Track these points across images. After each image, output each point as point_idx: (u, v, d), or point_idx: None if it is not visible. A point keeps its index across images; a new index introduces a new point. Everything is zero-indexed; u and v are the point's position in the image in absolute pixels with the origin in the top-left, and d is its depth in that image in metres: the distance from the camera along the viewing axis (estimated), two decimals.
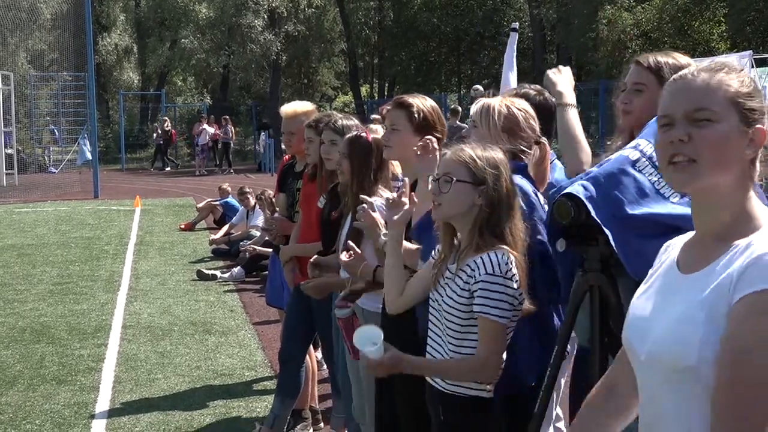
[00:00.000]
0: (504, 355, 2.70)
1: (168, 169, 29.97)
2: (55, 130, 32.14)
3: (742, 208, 1.64)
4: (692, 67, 1.71)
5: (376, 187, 3.74)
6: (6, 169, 24.82)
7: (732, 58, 13.42)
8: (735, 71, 1.67)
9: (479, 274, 2.62)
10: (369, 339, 2.71)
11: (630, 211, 2.62)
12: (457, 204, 2.68)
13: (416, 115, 3.35)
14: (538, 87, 3.72)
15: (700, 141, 1.62)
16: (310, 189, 4.72)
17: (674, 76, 1.73)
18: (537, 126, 3.12)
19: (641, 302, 1.76)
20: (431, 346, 2.80)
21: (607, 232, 2.58)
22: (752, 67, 12.65)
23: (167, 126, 30.00)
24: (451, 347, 2.71)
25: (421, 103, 3.40)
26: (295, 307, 4.84)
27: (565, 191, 2.65)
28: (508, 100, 3.14)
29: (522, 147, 3.03)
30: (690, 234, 1.76)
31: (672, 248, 1.80)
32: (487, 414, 2.74)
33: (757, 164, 1.67)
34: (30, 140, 31.76)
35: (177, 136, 32.58)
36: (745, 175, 1.65)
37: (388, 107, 3.52)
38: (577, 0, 29.88)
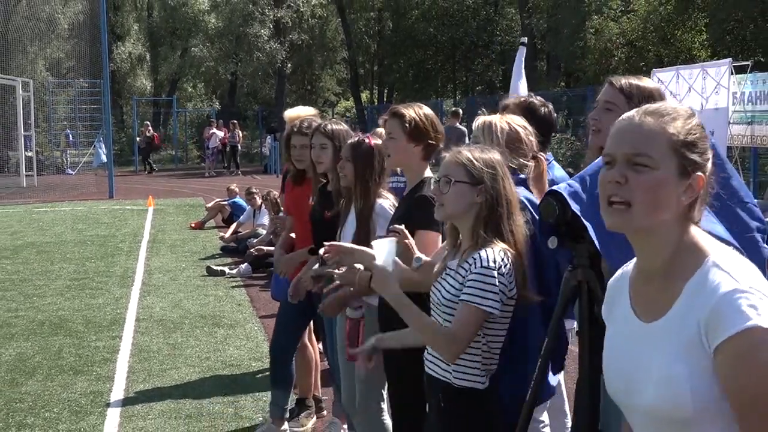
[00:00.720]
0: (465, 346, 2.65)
1: (146, 172, 29.98)
2: (70, 134, 32.12)
3: (681, 244, 1.59)
4: (641, 108, 1.65)
5: (379, 190, 3.73)
6: (26, 171, 24.82)
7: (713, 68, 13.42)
8: (682, 118, 1.61)
9: (474, 268, 2.62)
10: (388, 251, 2.71)
11: None
12: (457, 203, 2.68)
13: (407, 124, 3.36)
14: (542, 99, 3.75)
15: (635, 185, 1.57)
16: (296, 192, 4.69)
17: (623, 116, 1.66)
18: (535, 141, 3.13)
19: (613, 353, 1.70)
20: None
21: (587, 225, 2.57)
22: (732, 74, 12.62)
23: (149, 132, 30.18)
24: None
25: (414, 111, 3.40)
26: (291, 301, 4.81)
27: (549, 189, 2.65)
28: (508, 117, 3.16)
29: (523, 161, 3.05)
30: (627, 268, 1.72)
31: (616, 286, 1.75)
32: (487, 405, 2.71)
33: (697, 206, 1.61)
34: (48, 143, 31.75)
35: (160, 140, 32.89)
36: (684, 215, 1.60)
37: (386, 117, 3.52)
38: (566, 10, 29.84)
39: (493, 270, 2.60)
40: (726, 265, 1.53)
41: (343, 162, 3.79)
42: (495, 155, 2.73)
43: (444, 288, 2.71)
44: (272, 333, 5.09)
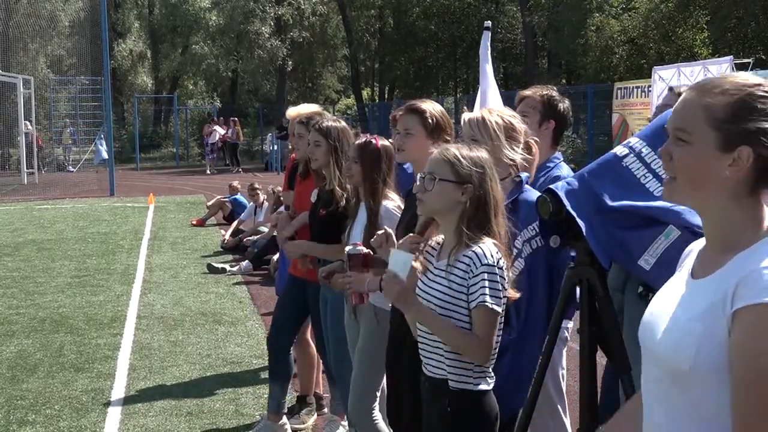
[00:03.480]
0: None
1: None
2: (74, 131, 32.11)
3: (740, 223, 1.58)
4: (698, 81, 1.66)
5: (387, 191, 3.74)
6: (27, 168, 24.81)
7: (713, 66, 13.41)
8: (723, 93, 1.58)
9: (476, 268, 2.58)
10: (402, 262, 2.62)
11: (610, 204, 2.62)
12: (439, 201, 2.65)
13: (429, 120, 3.36)
14: (559, 94, 3.77)
15: (677, 161, 1.61)
16: (302, 188, 4.69)
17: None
18: (526, 128, 3.13)
19: (656, 304, 1.73)
20: (421, 337, 2.75)
21: (580, 223, 2.57)
22: (733, 71, 12.63)
23: (26, 128, 30.08)
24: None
25: (433, 108, 3.41)
26: (288, 295, 4.80)
27: (546, 187, 2.65)
28: (495, 109, 3.15)
29: (525, 153, 3.04)
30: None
31: (692, 254, 1.77)
32: (485, 406, 2.69)
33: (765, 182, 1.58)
34: (49, 141, 31.75)
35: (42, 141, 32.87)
36: (741, 189, 1.57)
37: (401, 112, 3.51)
38: (567, 8, 29.81)
39: (495, 267, 2.58)
40: None
41: (349, 162, 3.79)
42: (483, 154, 2.70)
43: (434, 288, 2.67)
44: (269, 327, 5.08)
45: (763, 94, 1.57)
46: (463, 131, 3.07)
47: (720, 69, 12.83)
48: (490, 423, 2.70)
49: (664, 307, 1.69)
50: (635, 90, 17.71)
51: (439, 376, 2.70)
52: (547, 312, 2.89)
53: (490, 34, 5.36)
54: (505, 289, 2.62)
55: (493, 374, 2.72)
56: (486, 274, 2.57)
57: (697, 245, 1.77)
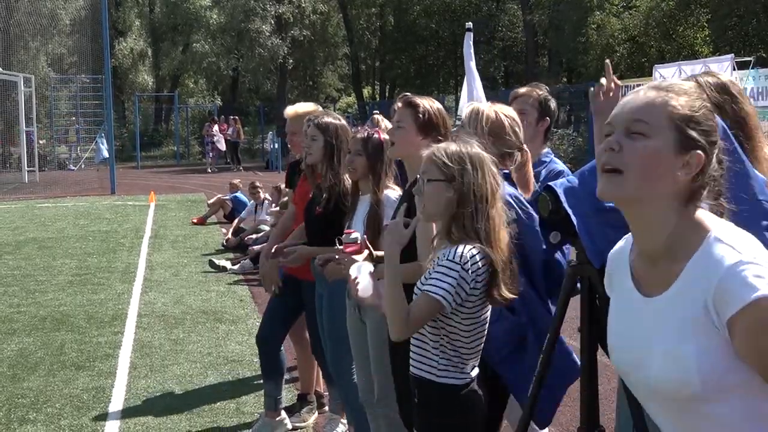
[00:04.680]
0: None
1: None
2: (80, 129, 32.10)
3: (682, 224, 1.57)
4: (650, 83, 1.66)
5: (387, 182, 3.73)
6: (28, 167, 24.82)
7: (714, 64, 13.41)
8: (687, 96, 1.59)
9: (440, 261, 2.58)
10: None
11: (607, 204, 2.62)
12: (434, 203, 2.64)
13: (421, 115, 3.30)
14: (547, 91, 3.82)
15: (628, 152, 1.56)
16: (305, 187, 4.68)
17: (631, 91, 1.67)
18: (521, 133, 3.12)
19: (616, 326, 1.70)
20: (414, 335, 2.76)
21: (574, 220, 2.57)
22: (734, 69, 12.62)
23: None
24: (428, 329, 2.67)
25: (428, 104, 3.35)
26: (280, 293, 4.78)
27: (546, 184, 2.65)
28: (497, 106, 3.14)
29: (506, 151, 3.02)
30: (624, 244, 1.71)
31: (618, 262, 1.74)
32: (463, 401, 2.69)
33: (704, 192, 1.58)
34: (50, 139, 31.76)
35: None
36: (685, 196, 1.57)
37: (398, 104, 3.48)
38: (568, 6, 29.81)
39: (457, 264, 2.55)
40: (728, 239, 1.52)
41: (352, 156, 3.76)
42: (468, 148, 2.65)
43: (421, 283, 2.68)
44: (259, 324, 5.06)
45: (709, 110, 1.59)
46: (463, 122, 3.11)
47: (721, 67, 12.82)
48: (463, 416, 2.69)
49: (629, 334, 1.64)
50: (636, 88, 17.70)
51: (415, 370, 2.73)
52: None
53: (472, 35, 5.59)
54: (464, 292, 2.57)
55: (471, 376, 2.70)
56: (442, 267, 2.56)
57: (620, 255, 1.73)
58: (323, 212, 4.10)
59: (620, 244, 1.76)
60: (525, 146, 3.14)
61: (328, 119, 4.21)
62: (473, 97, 4.71)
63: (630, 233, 1.71)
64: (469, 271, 2.56)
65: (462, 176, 2.60)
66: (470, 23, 5.75)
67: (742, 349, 1.47)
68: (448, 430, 2.73)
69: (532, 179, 3.20)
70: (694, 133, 1.56)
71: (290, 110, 4.94)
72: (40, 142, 29.86)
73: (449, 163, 2.61)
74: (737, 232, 1.55)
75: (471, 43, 5.48)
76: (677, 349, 1.52)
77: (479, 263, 2.58)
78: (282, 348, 4.88)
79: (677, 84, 1.62)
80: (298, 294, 4.63)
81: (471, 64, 5.31)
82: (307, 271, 4.29)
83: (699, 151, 1.56)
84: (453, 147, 2.66)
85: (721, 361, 1.49)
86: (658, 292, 1.58)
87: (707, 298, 1.48)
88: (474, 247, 2.58)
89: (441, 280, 2.55)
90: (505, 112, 3.10)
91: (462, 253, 2.56)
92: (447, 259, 2.57)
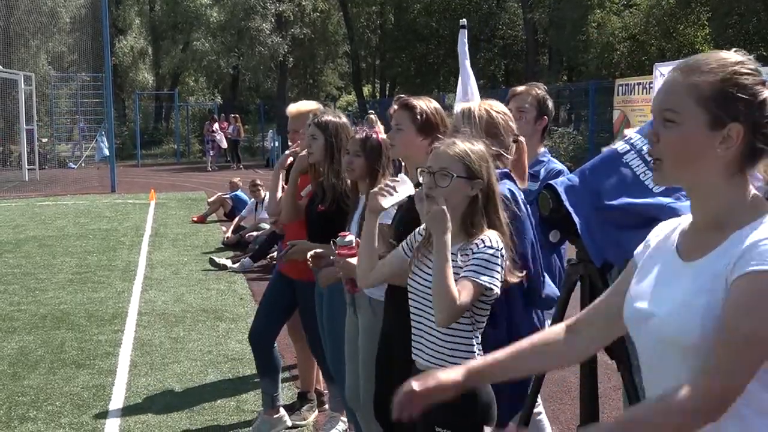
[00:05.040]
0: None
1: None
2: (85, 127, 32.08)
3: (731, 201, 1.59)
4: (680, 62, 1.66)
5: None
6: (28, 165, 24.82)
7: None
8: (712, 73, 1.58)
9: (477, 249, 2.60)
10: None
11: (608, 202, 2.62)
12: (453, 198, 2.65)
13: (419, 117, 3.32)
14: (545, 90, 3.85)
15: (663, 142, 1.60)
16: (304, 182, 4.68)
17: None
18: (515, 126, 3.12)
19: (641, 287, 1.71)
20: (415, 327, 2.75)
21: (576, 219, 2.57)
22: None
23: None
24: (462, 318, 2.65)
25: (425, 104, 3.36)
26: (275, 289, 4.77)
27: (546, 183, 2.65)
28: (487, 104, 3.13)
29: (502, 151, 3.02)
30: (683, 219, 1.73)
31: (664, 232, 1.76)
32: (476, 396, 2.67)
33: (761, 159, 1.58)
34: (50, 137, 31.76)
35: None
36: (729, 169, 1.58)
37: (395, 107, 3.50)
38: (568, 4, 29.79)
39: (498, 251, 2.60)
40: None
41: (350, 156, 3.77)
42: (483, 147, 2.71)
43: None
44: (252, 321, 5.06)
45: (746, 71, 1.59)
46: (454, 121, 3.10)
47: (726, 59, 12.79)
48: (475, 410, 2.68)
49: (652, 291, 1.67)
50: (636, 86, 17.70)
51: (423, 363, 2.71)
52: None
53: (466, 32, 5.61)
54: (502, 276, 2.61)
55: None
56: (486, 254, 2.58)
57: (668, 225, 1.76)
58: (325, 211, 4.10)
59: (671, 221, 1.79)
60: (521, 137, 3.14)
61: (328, 118, 4.21)
62: (467, 96, 4.70)
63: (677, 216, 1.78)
64: (503, 257, 2.61)
65: (488, 174, 2.66)
66: (464, 20, 5.74)
67: (726, 306, 1.49)
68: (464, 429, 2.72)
69: (526, 169, 3.20)
70: (723, 108, 1.56)
71: (292, 108, 4.94)
72: (43, 140, 29.92)
73: (478, 161, 2.65)
74: None
75: (465, 40, 5.49)
76: (692, 298, 1.56)
77: (503, 249, 2.63)
78: (275, 345, 4.87)
79: (703, 61, 1.61)
80: (291, 292, 4.63)
81: (466, 62, 5.32)
82: (302, 270, 4.28)
83: (735, 123, 1.56)
84: (473, 145, 2.69)
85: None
86: (698, 257, 1.61)
87: (731, 261, 1.52)
88: (497, 234, 2.64)
89: (485, 267, 2.57)
90: (497, 108, 3.10)
91: (495, 240, 2.61)
92: (486, 246, 2.59)
